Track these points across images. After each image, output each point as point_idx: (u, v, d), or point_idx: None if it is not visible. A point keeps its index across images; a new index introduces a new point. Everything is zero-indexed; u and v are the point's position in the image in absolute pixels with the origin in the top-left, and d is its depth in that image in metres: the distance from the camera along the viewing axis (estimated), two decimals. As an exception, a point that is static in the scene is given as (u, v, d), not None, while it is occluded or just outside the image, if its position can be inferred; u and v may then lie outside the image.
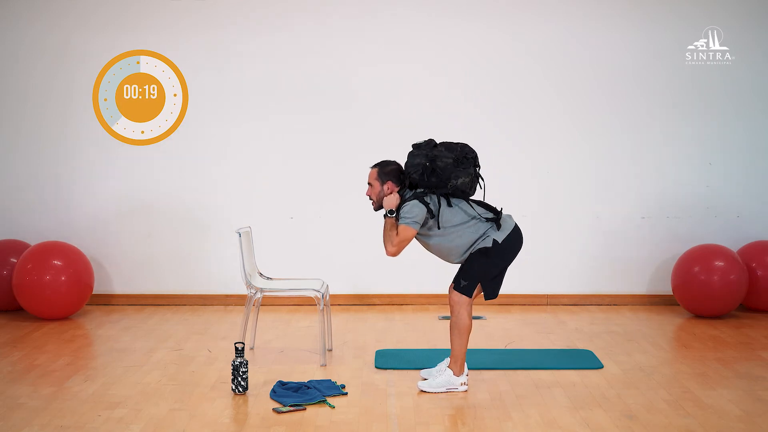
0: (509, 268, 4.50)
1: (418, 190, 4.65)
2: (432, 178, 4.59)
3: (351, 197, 6.91)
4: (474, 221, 4.62)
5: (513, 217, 4.80)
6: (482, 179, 4.71)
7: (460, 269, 4.69)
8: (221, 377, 4.95)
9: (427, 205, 4.56)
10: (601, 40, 6.84)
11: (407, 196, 4.65)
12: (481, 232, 4.61)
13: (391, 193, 4.68)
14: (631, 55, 6.85)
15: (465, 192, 4.64)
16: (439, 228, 4.58)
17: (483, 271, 4.63)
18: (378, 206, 4.74)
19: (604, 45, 6.84)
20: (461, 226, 4.60)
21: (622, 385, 4.84)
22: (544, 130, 6.89)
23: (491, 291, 4.67)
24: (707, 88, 6.87)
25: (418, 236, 4.68)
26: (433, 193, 4.61)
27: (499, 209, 4.69)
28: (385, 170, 4.70)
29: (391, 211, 4.61)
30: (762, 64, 6.88)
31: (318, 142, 6.87)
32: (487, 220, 4.62)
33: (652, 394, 4.67)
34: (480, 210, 4.65)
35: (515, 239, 4.65)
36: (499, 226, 4.61)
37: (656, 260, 6.98)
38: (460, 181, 4.58)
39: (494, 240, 4.58)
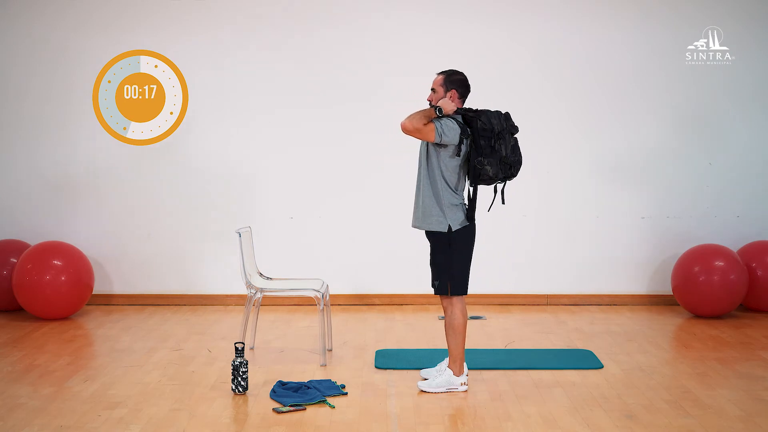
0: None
1: (468, 129, 4.61)
2: (482, 141, 4.57)
3: (351, 197, 6.91)
4: (457, 194, 4.63)
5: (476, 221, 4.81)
6: (503, 197, 4.73)
7: (431, 271, 4.74)
8: (221, 377, 4.95)
9: (461, 141, 4.55)
10: (601, 40, 6.84)
11: (459, 119, 4.60)
12: (449, 205, 4.60)
13: (452, 100, 4.64)
14: (631, 55, 6.86)
15: (475, 176, 4.62)
16: (458, 154, 4.55)
17: (446, 265, 4.66)
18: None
19: (604, 45, 6.84)
20: (448, 182, 4.61)
21: (622, 385, 4.84)
22: (544, 130, 6.89)
23: (458, 287, 4.68)
24: (707, 88, 6.88)
25: (424, 150, 4.66)
26: (471, 143, 4.59)
27: (474, 209, 4.69)
28: (452, 78, 4.66)
29: (440, 110, 4.55)
30: (762, 64, 6.88)
31: (318, 142, 6.87)
32: (462, 208, 4.64)
33: (652, 394, 4.67)
34: (465, 198, 4.69)
35: (468, 233, 4.66)
36: (467, 217, 4.63)
37: (656, 260, 6.98)
38: (485, 168, 4.57)
39: (449, 226, 4.60)
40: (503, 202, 4.78)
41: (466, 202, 4.70)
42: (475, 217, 4.73)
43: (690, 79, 6.86)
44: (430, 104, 4.68)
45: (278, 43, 6.81)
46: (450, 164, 4.60)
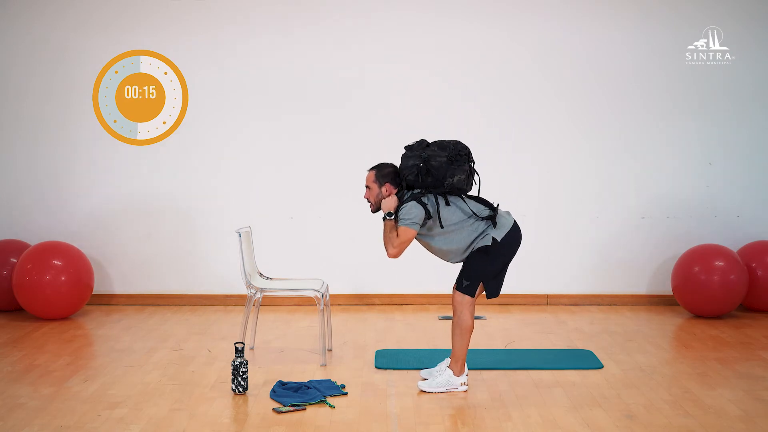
0: (508, 268, 4.50)
1: (415, 191, 4.64)
2: (428, 179, 4.59)
3: (351, 197, 6.90)
4: (472, 219, 4.61)
5: (512, 213, 4.80)
6: (478, 174, 4.71)
7: (462, 269, 4.69)
8: (221, 377, 4.95)
9: (424, 205, 4.56)
10: (601, 40, 6.84)
11: (405, 197, 4.65)
12: (480, 230, 4.61)
13: (389, 195, 4.68)
14: (631, 55, 6.86)
15: (461, 189, 4.63)
16: (442, 227, 4.58)
17: (484, 269, 4.63)
18: (376, 209, 4.74)
19: (604, 45, 6.84)
20: (460, 224, 4.60)
21: (622, 385, 4.84)
22: (544, 130, 6.89)
23: (493, 289, 4.67)
24: (707, 88, 6.87)
25: (419, 237, 4.68)
26: (430, 192, 4.61)
27: (496, 205, 4.70)
28: (383, 172, 4.71)
29: (390, 214, 4.61)
30: (762, 64, 6.88)
31: (318, 142, 6.88)
32: (485, 218, 4.62)
33: (652, 394, 4.67)
34: (477, 207, 4.65)
35: (514, 237, 4.65)
36: (495, 224, 4.62)
37: (656, 260, 6.98)
38: (456, 178, 4.57)
39: (493, 238, 4.58)
40: (478, 179, 4.72)
41: (485, 212, 4.65)
42: (509, 213, 4.70)
43: (690, 79, 6.86)
44: (368, 201, 4.73)
45: (278, 43, 6.81)
46: (443, 216, 4.57)
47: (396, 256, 4.60)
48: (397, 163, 4.77)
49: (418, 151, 4.63)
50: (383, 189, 4.69)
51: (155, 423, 4.22)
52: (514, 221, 4.69)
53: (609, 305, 6.97)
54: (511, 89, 6.83)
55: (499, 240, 4.59)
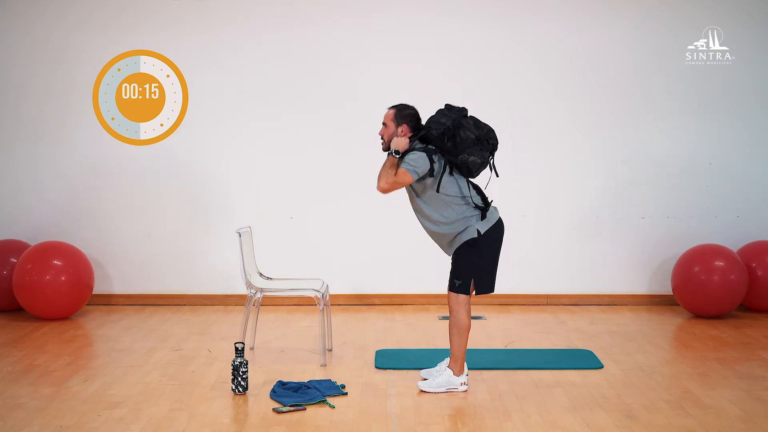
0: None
1: (429, 147, 4.62)
2: (448, 143, 4.55)
3: (351, 197, 6.91)
4: (463, 201, 4.61)
5: (498, 210, 4.80)
6: (495, 170, 4.71)
7: (452, 269, 4.71)
8: (221, 377, 4.95)
9: (432, 162, 4.55)
10: (601, 40, 6.84)
11: (417, 146, 4.62)
12: (467, 215, 4.60)
13: (403, 136, 4.66)
14: (631, 55, 6.86)
15: (470, 171, 4.61)
16: (438, 191, 4.56)
17: (472, 264, 4.63)
18: (387, 147, 4.69)
19: (604, 45, 6.84)
20: (451, 199, 4.59)
21: (622, 385, 4.84)
22: (544, 130, 6.89)
23: (486, 285, 4.67)
24: (707, 88, 6.87)
25: (410, 189, 4.67)
26: (443, 155, 4.59)
27: (490, 200, 4.70)
28: (403, 113, 4.67)
29: (396, 152, 4.58)
30: (762, 64, 6.88)
31: (318, 142, 6.88)
32: (477, 206, 4.63)
33: (652, 394, 4.67)
34: (473, 194, 4.67)
35: (498, 231, 4.66)
36: (484, 216, 4.62)
37: (656, 260, 6.98)
38: (471, 159, 4.55)
39: (477, 230, 4.59)
40: (497, 175, 4.74)
41: (478, 201, 4.67)
42: (496, 209, 4.71)
43: (690, 79, 6.86)
44: (380, 138, 4.71)
45: (278, 43, 6.81)
46: (443, 182, 4.57)
47: (384, 191, 4.58)
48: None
49: (455, 114, 4.61)
50: (399, 129, 4.66)
51: (155, 423, 4.22)
52: (500, 217, 4.70)
53: (609, 305, 6.97)
54: (511, 89, 6.83)
55: (482, 233, 4.60)
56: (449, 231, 4.64)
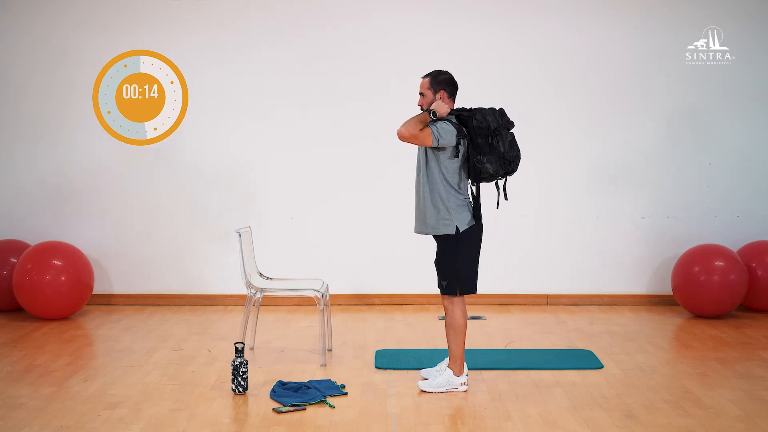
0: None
1: (463, 128, 4.61)
2: (479, 139, 4.56)
3: (351, 197, 6.91)
4: (458, 193, 4.63)
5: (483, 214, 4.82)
6: (505, 193, 4.74)
7: (437, 272, 4.73)
8: (221, 377, 4.95)
9: (458, 142, 4.54)
10: (601, 40, 6.84)
11: (453, 121, 4.60)
12: (453, 206, 4.60)
13: (444, 102, 4.62)
14: (631, 55, 6.86)
15: (477, 175, 4.62)
16: (441, 170, 4.56)
17: (453, 262, 4.65)
18: (427, 109, 4.64)
19: (604, 45, 6.84)
20: (448, 182, 4.60)
21: (622, 385, 4.84)
22: (544, 130, 6.89)
23: (468, 284, 4.68)
24: (707, 88, 6.87)
25: (421, 153, 4.65)
26: (469, 144, 4.58)
27: (479, 208, 4.70)
28: (438, 79, 4.65)
29: (434, 113, 4.54)
30: (762, 64, 6.88)
31: (318, 142, 6.87)
32: (467, 206, 4.64)
33: (652, 394, 4.67)
34: (469, 193, 4.69)
35: (476, 231, 4.67)
36: (468, 219, 4.63)
37: (656, 260, 6.98)
38: (486, 165, 4.57)
39: (456, 227, 4.60)
40: (506, 198, 4.77)
41: (471, 200, 4.70)
42: (482, 215, 4.73)
43: (690, 79, 6.86)
44: (421, 109, 4.68)
45: (278, 44, 6.81)
46: (450, 165, 4.60)
47: (402, 138, 4.51)
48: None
49: (502, 121, 4.62)
50: (438, 95, 4.63)
51: (155, 423, 4.22)
52: (480, 218, 4.71)
53: (609, 305, 6.97)
54: (511, 89, 6.83)
55: (461, 230, 4.61)
56: (430, 210, 4.64)
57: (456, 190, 4.62)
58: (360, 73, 6.84)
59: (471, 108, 4.67)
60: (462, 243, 4.64)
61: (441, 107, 4.56)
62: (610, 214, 6.95)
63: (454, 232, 4.61)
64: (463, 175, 4.66)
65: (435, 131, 4.50)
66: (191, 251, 6.96)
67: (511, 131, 4.67)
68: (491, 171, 4.58)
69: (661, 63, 6.85)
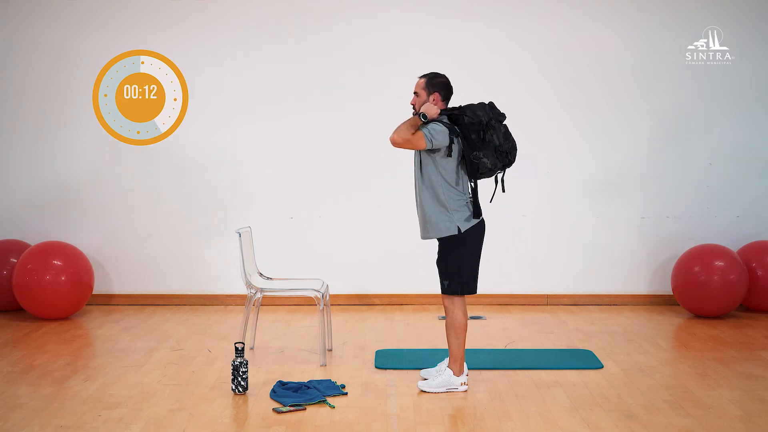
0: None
1: (455, 127, 4.61)
2: (472, 135, 4.57)
3: (351, 197, 6.91)
4: (457, 193, 4.62)
5: (485, 216, 4.82)
6: (503, 185, 4.73)
7: (439, 271, 4.73)
8: (221, 377, 4.95)
9: (452, 141, 4.55)
10: (601, 40, 6.84)
11: (444, 121, 4.61)
12: (454, 207, 4.60)
13: (435, 104, 4.64)
14: (631, 55, 6.86)
15: (473, 171, 4.62)
16: (438, 171, 4.56)
17: (454, 263, 4.65)
18: (417, 113, 4.64)
19: (604, 45, 6.84)
20: (447, 182, 4.60)
21: (622, 385, 4.84)
22: (544, 130, 6.89)
23: (467, 286, 4.68)
24: (707, 88, 6.88)
25: (417, 157, 4.66)
26: (463, 141, 4.58)
27: (479, 204, 4.70)
28: (434, 81, 4.67)
29: (424, 116, 4.55)
30: (762, 64, 6.88)
31: (318, 142, 6.88)
32: (467, 205, 4.64)
33: (652, 394, 4.67)
34: (469, 192, 4.69)
35: (478, 230, 4.68)
36: (469, 218, 4.63)
37: (656, 260, 6.98)
38: (483, 160, 4.57)
39: (458, 227, 4.60)
40: (503, 191, 4.77)
41: (471, 198, 4.69)
42: (482, 212, 4.72)
43: (690, 79, 6.86)
44: (413, 108, 4.69)
45: (278, 43, 6.81)
46: (447, 165, 4.60)
47: (395, 144, 4.52)
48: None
49: (493, 115, 4.61)
50: (431, 97, 4.65)
51: (155, 423, 4.22)
52: (482, 219, 4.71)
53: (609, 305, 6.97)
54: (511, 89, 6.83)
55: (462, 231, 4.61)
56: (431, 213, 4.64)
57: (456, 189, 4.62)
58: (360, 73, 6.84)
59: (460, 106, 4.67)
60: (463, 243, 4.64)
61: (431, 109, 4.57)
62: (610, 214, 6.95)
63: (457, 233, 4.62)
64: (462, 173, 4.66)
65: (427, 133, 4.52)
66: (191, 251, 6.96)
67: (504, 123, 4.67)
68: (489, 165, 4.59)
69: (661, 63, 6.85)
